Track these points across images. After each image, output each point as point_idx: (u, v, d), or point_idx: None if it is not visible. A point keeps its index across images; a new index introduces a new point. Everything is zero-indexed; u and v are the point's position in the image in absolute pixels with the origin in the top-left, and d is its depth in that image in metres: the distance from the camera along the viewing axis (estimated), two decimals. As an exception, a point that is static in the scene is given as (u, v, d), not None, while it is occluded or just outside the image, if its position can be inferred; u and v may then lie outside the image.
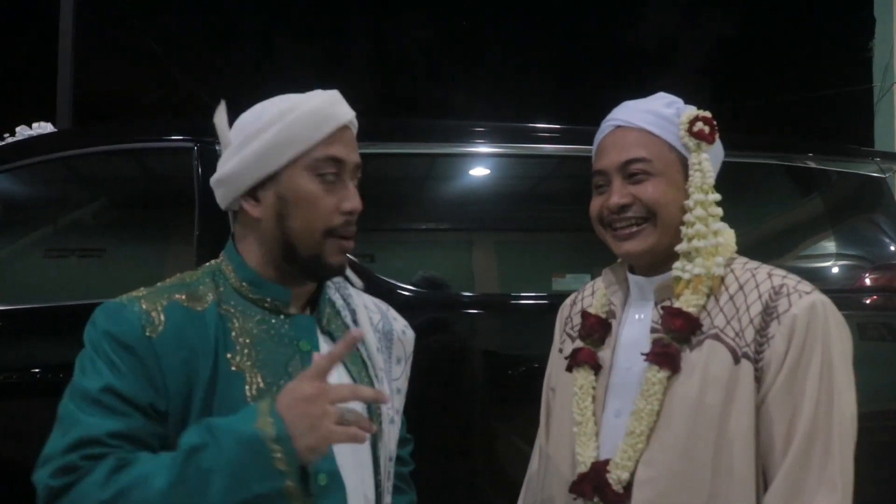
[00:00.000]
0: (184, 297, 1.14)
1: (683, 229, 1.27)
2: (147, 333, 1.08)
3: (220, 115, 1.18)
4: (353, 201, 1.16)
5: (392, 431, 1.28)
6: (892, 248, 2.83)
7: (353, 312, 1.29)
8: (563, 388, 1.41)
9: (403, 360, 1.37)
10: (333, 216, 1.15)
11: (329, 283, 1.28)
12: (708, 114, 1.31)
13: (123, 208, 2.81)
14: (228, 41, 11.46)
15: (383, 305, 1.39)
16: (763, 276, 1.26)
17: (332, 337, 1.23)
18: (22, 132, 2.57)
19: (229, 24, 11.45)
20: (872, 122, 6.73)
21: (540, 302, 2.41)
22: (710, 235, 1.26)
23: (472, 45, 11.37)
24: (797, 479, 1.15)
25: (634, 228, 1.28)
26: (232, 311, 1.15)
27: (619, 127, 1.32)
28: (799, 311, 1.20)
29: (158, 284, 1.17)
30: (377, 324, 1.33)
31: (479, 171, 2.75)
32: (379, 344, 1.31)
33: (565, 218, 2.86)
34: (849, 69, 7.19)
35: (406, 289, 2.31)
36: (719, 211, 1.29)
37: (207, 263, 1.24)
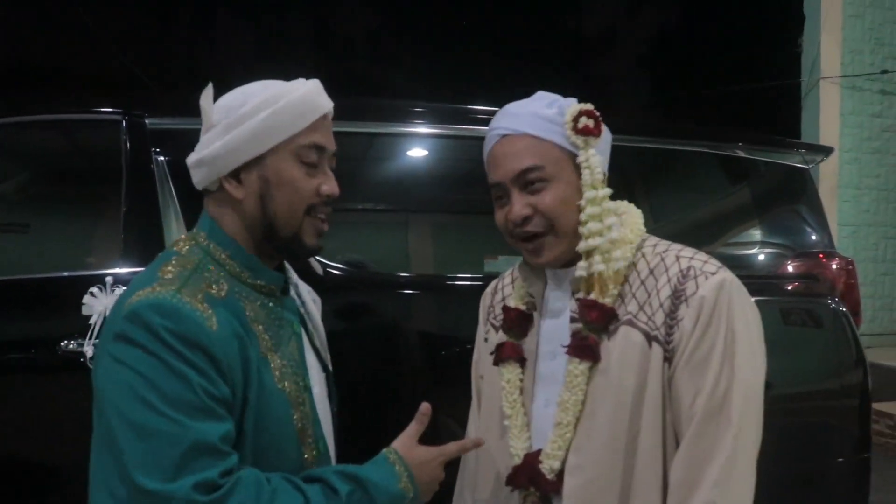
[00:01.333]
0: (210, 287, 1.15)
1: (580, 228, 1.29)
2: (210, 329, 1.08)
3: (207, 97, 1.21)
4: (331, 185, 1.23)
5: (334, 388, 1.41)
6: (814, 236, 2.93)
7: (295, 286, 1.36)
8: (490, 378, 1.45)
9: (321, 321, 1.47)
10: (313, 198, 1.21)
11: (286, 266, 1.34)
12: (589, 106, 1.31)
13: (49, 182, 2.71)
14: (165, 16, 11.12)
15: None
16: (671, 260, 1.28)
17: (300, 316, 1.32)
18: (-62, 100, 2.46)
19: (165, -3, 11.13)
20: (800, 115, 6.95)
21: (473, 284, 2.43)
22: (604, 231, 1.27)
23: (414, 26, 11.30)
24: (696, 450, 1.19)
25: (539, 241, 1.30)
26: (241, 296, 1.18)
27: (505, 136, 1.31)
28: (706, 291, 1.23)
29: (171, 276, 1.13)
30: (310, 293, 1.41)
31: (417, 152, 2.74)
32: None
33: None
34: (780, 63, 7.40)
35: (339, 268, 2.29)
36: (612, 205, 1.30)
37: (183, 243, 1.22)
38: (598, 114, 1.31)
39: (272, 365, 1.16)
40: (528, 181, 1.28)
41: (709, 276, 1.24)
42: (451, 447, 1.24)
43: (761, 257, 2.92)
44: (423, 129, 2.60)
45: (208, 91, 1.21)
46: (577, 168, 1.29)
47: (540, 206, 1.28)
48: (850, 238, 6.78)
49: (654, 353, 1.24)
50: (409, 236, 2.80)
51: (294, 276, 1.36)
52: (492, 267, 2.58)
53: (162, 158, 2.23)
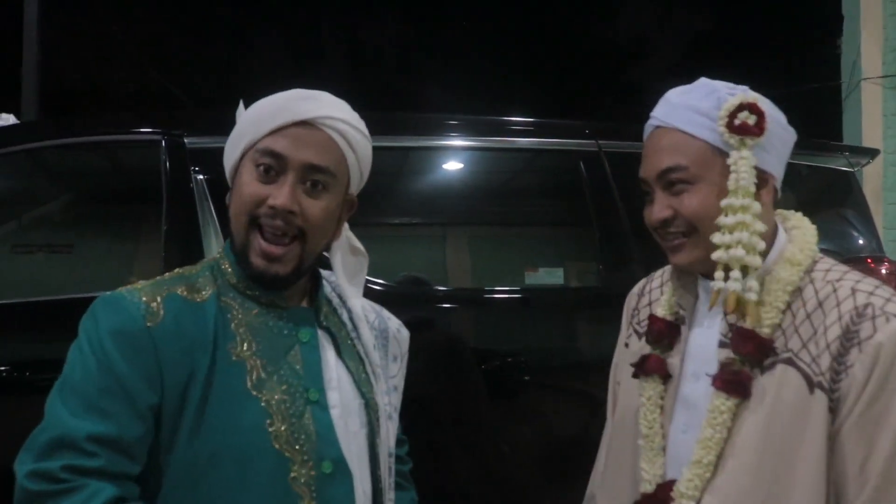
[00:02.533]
0: (183, 289, 1.14)
1: (712, 237, 1.15)
2: (147, 324, 1.08)
3: (240, 110, 1.20)
4: (279, 197, 1.10)
5: (390, 427, 1.28)
6: (861, 241, 2.86)
7: (349, 311, 1.29)
8: (626, 386, 1.35)
9: (399, 358, 1.36)
10: (257, 207, 1.11)
11: (325, 280, 1.29)
12: (756, 99, 1.16)
13: (91, 203, 2.76)
14: (200, 34, 11.31)
15: (377, 306, 1.38)
16: (845, 293, 1.13)
17: (329, 332, 1.23)
18: (-15, 124, 2.52)
19: (201, 16, 11.31)
20: (841, 117, 6.81)
21: (513, 296, 2.41)
22: (745, 246, 1.13)
23: (446, 40, 11.34)
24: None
25: (680, 240, 1.20)
26: (231, 302, 1.15)
27: (657, 128, 1.22)
28: (885, 338, 1.07)
29: (157, 278, 1.17)
30: (373, 321, 1.33)
31: (453, 165, 2.73)
32: (375, 341, 1.31)
33: (538, 212, 2.85)
34: (818, 65, 7.27)
35: (379, 283, 2.29)
36: (755, 222, 1.13)
37: (207, 258, 1.25)
38: (763, 109, 1.15)
39: (249, 370, 1.11)
40: (669, 181, 1.17)
41: (891, 318, 1.08)
42: None
43: (893, 296, 2.86)
44: (458, 142, 2.59)
45: (241, 107, 1.21)
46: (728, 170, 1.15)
47: (681, 210, 1.17)
48: (897, 242, 6.61)
49: (815, 401, 1.10)
50: (448, 250, 2.79)
51: (352, 297, 1.29)
52: (532, 280, 2.55)
53: (201, 177, 2.25)
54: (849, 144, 3.89)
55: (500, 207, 2.79)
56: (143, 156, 2.34)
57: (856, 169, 2.91)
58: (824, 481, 1.09)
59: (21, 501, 1.00)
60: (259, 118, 1.14)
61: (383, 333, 1.34)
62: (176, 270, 1.20)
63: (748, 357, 1.14)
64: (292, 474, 1.09)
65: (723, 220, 1.14)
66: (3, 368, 2.14)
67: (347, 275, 1.28)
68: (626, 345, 1.39)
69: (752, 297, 1.14)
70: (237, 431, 1.08)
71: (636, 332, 1.37)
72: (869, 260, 2.78)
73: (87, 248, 2.64)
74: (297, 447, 1.10)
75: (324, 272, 1.30)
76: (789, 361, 1.13)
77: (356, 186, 1.24)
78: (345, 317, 1.28)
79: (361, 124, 1.20)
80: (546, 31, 10.72)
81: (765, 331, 1.14)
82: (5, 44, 7.68)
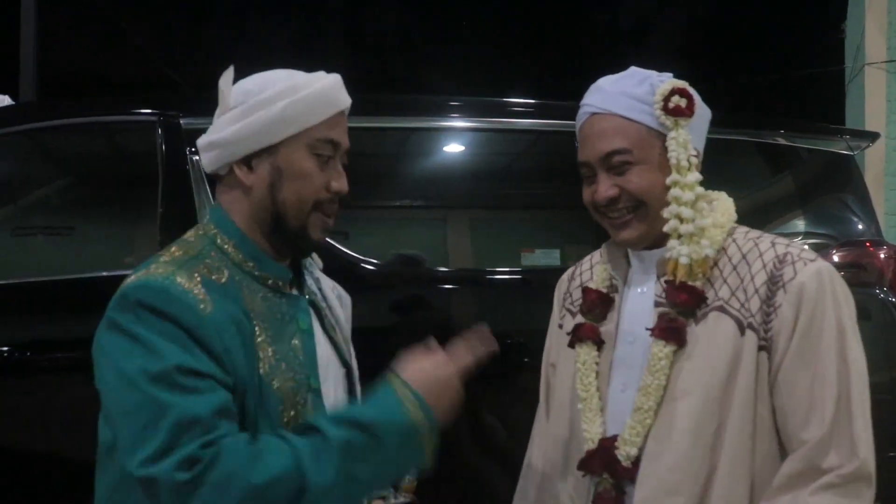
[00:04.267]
0: (205, 270, 1.13)
1: (663, 211, 1.25)
2: (202, 310, 1.07)
3: (226, 79, 1.20)
4: (341, 182, 1.21)
5: (359, 387, 1.35)
6: (860, 225, 2.85)
7: (317, 280, 1.34)
8: (563, 364, 1.41)
9: (349, 319, 1.43)
10: (322, 192, 1.19)
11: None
12: (683, 84, 1.28)
13: (89, 184, 2.75)
14: (199, 17, 11.26)
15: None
16: (766, 245, 1.25)
17: (317, 310, 1.28)
18: (-18, 105, 2.51)
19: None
20: (844, 102, 6.78)
21: (512, 277, 2.41)
22: (694, 217, 1.24)
23: (446, 23, 11.28)
24: (824, 447, 1.15)
25: (627, 217, 1.28)
26: (242, 286, 1.16)
27: (594, 114, 1.29)
28: (805, 278, 1.19)
29: (163, 259, 1.14)
30: (332, 288, 1.39)
31: (454, 147, 2.73)
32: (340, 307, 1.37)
33: (536, 194, 2.84)
34: (822, 50, 7.23)
35: (376, 264, 2.29)
36: (699, 190, 1.26)
37: (193, 232, 1.23)
38: (691, 92, 1.27)
39: (261, 359, 1.12)
40: (613, 164, 1.26)
41: (807, 262, 1.21)
42: (461, 350, 1.16)
43: (805, 247, 2.85)
44: (458, 124, 2.58)
45: (228, 73, 1.20)
46: (667, 149, 1.26)
47: (627, 187, 1.26)
48: (898, 227, 6.59)
49: (747, 342, 1.20)
50: (448, 231, 2.79)
51: (317, 271, 1.35)
52: (529, 260, 2.55)
53: (197, 158, 2.24)
54: (849, 128, 3.87)
55: (500, 189, 2.79)
56: (139, 137, 2.33)
57: (856, 152, 2.89)
58: (752, 418, 1.20)
59: (176, 496, 0.97)
60: (311, 108, 1.18)
61: (340, 299, 1.40)
62: (175, 249, 1.17)
63: (682, 306, 1.24)
64: None
65: (673, 193, 1.24)
66: (4, 349, 2.15)
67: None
68: (560, 326, 1.45)
69: (697, 256, 1.24)
70: (262, 418, 1.10)
71: (569, 311, 1.45)
72: (868, 244, 2.77)
73: (85, 230, 2.64)
74: None
75: None
76: (721, 309, 1.23)
77: None
78: (314, 287, 1.32)
79: None
80: (548, 12, 10.66)
81: (696, 283, 1.25)
82: (3, 26, 7.64)
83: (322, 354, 1.23)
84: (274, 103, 1.16)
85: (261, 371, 1.10)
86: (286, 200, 1.18)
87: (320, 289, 1.33)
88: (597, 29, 11.15)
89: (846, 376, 1.17)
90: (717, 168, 2.81)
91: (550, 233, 2.73)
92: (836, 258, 2.74)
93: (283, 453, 1.00)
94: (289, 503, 0.99)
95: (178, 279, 1.08)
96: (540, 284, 1.90)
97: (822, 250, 2.81)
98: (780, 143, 2.84)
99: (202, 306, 1.06)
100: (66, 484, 2.12)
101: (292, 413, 1.12)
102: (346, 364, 1.30)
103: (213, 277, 1.12)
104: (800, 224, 2.90)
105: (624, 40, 11.07)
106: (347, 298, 1.43)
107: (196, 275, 1.10)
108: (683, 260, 1.24)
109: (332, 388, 1.24)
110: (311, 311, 1.26)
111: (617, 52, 9.89)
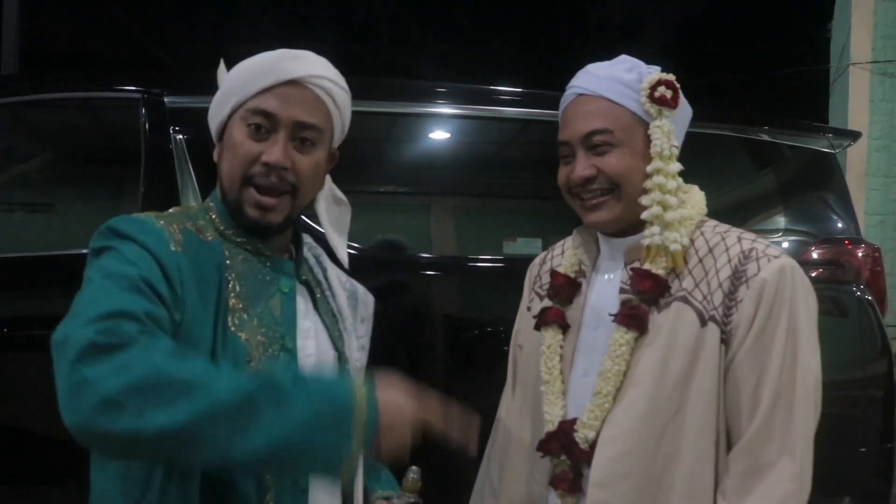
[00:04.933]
0: (191, 225, 1.17)
1: (644, 197, 1.27)
2: (172, 248, 1.09)
3: (222, 68, 1.25)
4: (272, 154, 1.15)
5: None
6: (840, 223, 2.88)
7: (324, 270, 1.34)
8: (530, 346, 1.43)
9: (367, 319, 1.42)
10: (251, 165, 1.16)
11: (305, 242, 1.32)
12: (670, 77, 1.30)
13: (70, 161, 2.72)
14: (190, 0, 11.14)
15: (342, 272, 1.43)
16: (733, 240, 1.27)
17: (307, 287, 1.28)
18: (-38, 78, 2.48)
19: (188, -22, 11.13)
20: (828, 101, 6.83)
21: (494, 265, 2.42)
22: (674, 205, 1.26)
23: (438, 10, 11.24)
24: (759, 443, 1.18)
25: (600, 199, 1.29)
26: (224, 246, 1.18)
27: (580, 95, 1.31)
28: (768, 274, 1.21)
29: (163, 212, 1.20)
30: (344, 282, 1.38)
31: (440, 134, 2.72)
32: (347, 301, 1.35)
33: (520, 183, 2.85)
34: (808, 49, 7.27)
35: (359, 249, 2.28)
36: (678, 181, 1.28)
37: (193, 204, 1.31)
38: (678, 85, 1.29)
39: (230, 309, 1.13)
40: (594, 143, 1.28)
41: (771, 258, 1.23)
42: (434, 405, 1.05)
43: (785, 244, 2.88)
44: (445, 110, 2.58)
45: (222, 64, 1.25)
46: (649, 138, 1.28)
47: (605, 168, 1.27)
48: (878, 227, 6.65)
49: (708, 334, 1.22)
50: (431, 218, 2.79)
51: (326, 262, 1.35)
52: (511, 249, 2.56)
53: (181, 137, 2.22)
54: (831, 126, 3.90)
55: (484, 178, 2.79)
56: (122, 114, 2.31)
57: (838, 151, 2.91)
58: (715, 410, 1.21)
59: (81, 356, 0.92)
60: (247, 78, 1.19)
61: (353, 295, 1.39)
62: (175, 208, 1.24)
63: (645, 293, 1.26)
64: None
65: (655, 180, 1.26)
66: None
67: (332, 222, 1.33)
68: (529, 309, 1.47)
69: (676, 247, 1.25)
70: (224, 361, 1.09)
71: (538, 294, 1.46)
72: (847, 242, 2.80)
73: (67, 206, 2.61)
74: None
75: (305, 235, 1.34)
76: (683, 299, 1.25)
77: (338, 140, 1.29)
78: (320, 276, 1.33)
79: (342, 80, 1.25)
80: (539, 4, 10.65)
81: (660, 272, 1.26)
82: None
83: (307, 326, 1.23)
84: (226, 81, 1.21)
85: (230, 321, 1.12)
86: (223, 173, 1.21)
87: (326, 278, 1.33)
88: (586, 22, 11.16)
89: (791, 374, 1.19)
90: (701, 162, 2.85)
91: (533, 222, 2.74)
92: (815, 255, 2.77)
93: (203, 363, 0.99)
94: (188, 407, 0.91)
95: (159, 221, 1.13)
96: (522, 273, 1.91)
97: (801, 247, 2.84)
98: (763, 140, 2.86)
99: (172, 246, 1.10)
100: (45, 462, 2.11)
101: (259, 367, 1.11)
102: (337, 348, 1.26)
103: (199, 235, 1.16)
104: (780, 220, 2.93)
105: (613, 34, 11.09)
106: (369, 298, 1.43)
107: (178, 224, 1.15)
108: (675, 247, 1.25)
109: (316, 359, 1.22)
110: (301, 286, 1.26)
111: (605, 45, 9.90)
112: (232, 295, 1.14)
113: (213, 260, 1.15)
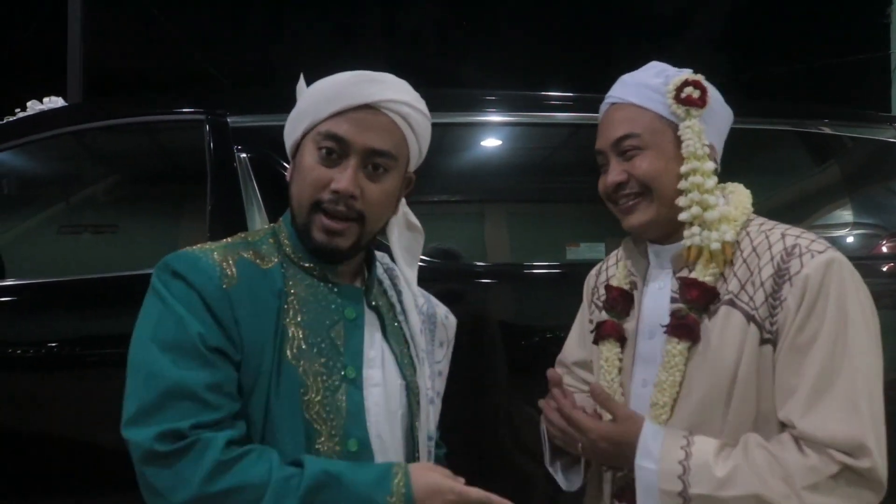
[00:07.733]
0: (251, 254, 1.17)
1: (681, 198, 1.28)
2: (224, 285, 1.10)
3: (301, 86, 1.24)
4: (341, 182, 1.13)
5: (431, 412, 1.30)
6: (907, 215, 2.79)
7: (398, 293, 1.31)
8: (593, 358, 1.45)
9: (446, 343, 1.40)
10: (321, 191, 1.15)
11: (378, 262, 1.31)
12: (698, 77, 1.31)
13: (135, 183, 2.81)
14: (238, 16, 11.38)
15: (426, 293, 1.41)
16: (776, 237, 1.25)
17: (377, 312, 1.25)
18: (33, 107, 2.58)
19: (239, -2, 11.38)
20: (890, 88, 6.63)
21: (554, 271, 2.41)
22: (713, 204, 1.26)
23: (483, 17, 11.26)
24: (815, 398, 1.14)
25: (633, 202, 1.31)
26: (289, 273, 1.18)
27: (613, 104, 1.35)
28: (811, 270, 1.18)
29: (222, 241, 1.20)
30: (421, 306, 1.35)
31: (492, 142, 2.73)
32: (422, 326, 1.33)
33: (579, 188, 2.84)
34: (867, 36, 7.07)
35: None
36: (714, 179, 1.28)
37: (267, 226, 1.29)
38: (705, 85, 1.30)
39: (290, 338, 1.13)
40: (623, 149, 1.30)
41: (815, 254, 1.20)
42: (473, 492, 1.09)
43: (852, 238, 2.80)
44: (497, 118, 2.59)
45: (301, 82, 1.24)
46: (679, 139, 1.29)
47: (634, 172, 1.29)
48: (948, 216, 6.43)
49: (750, 334, 1.21)
50: (487, 226, 2.79)
51: (402, 285, 1.32)
52: (573, 255, 2.55)
53: (244, 156, 2.28)
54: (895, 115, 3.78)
55: (540, 183, 2.78)
56: (186, 136, 2.37)
57: (904, 140, 2.82)
58: (754, 410, 1.20)
59: (145, 462, 1.02)
60: (321, 100, 1.17)
61: (431, 318, 1.36)
62: (239, 235, 1.24)
63: (693, 302, 1.26)
64: (317, 446, 1.11)
65: (692, 180, 1.26)
66: (52, 345, 2.21)
67: (402, 249, 1.29)
68: (591, 321, 1.49)
69: (717, 246, 1.25)
70: (285, 398, 1.11)
71: (597, 306, 1.48)
72: (918, 234, 2.71)
73: (133, 228, 2.69)
74: (326, 421, 1.12)
75: (378, 254, 1.33)
76: (730, 303, 1.24)
77: (415, 164, 1.27)
78: (394, 299, 1.31)
79: (422, 104, 1.22)
80: (586, 4, 10.58)
81: (708, 279, 1.26)
82: (51, 29, 7.82)
83: (374, 355, 1.22)
84: (300, 101, 1.20)
85: (287, 351, 1.12)
86: (293, 196, 1.20)
87: (400, 300, 1.30)
88: (635, 20, 11.04)
89: (839, 359, 1.15)
90: (762, 158, 2.79)
91: (595, 226, 2.73)
92: (884, 248, 2.69)
93: (258, 471, 1.04)
94: None
95: (213, 255, 1.13)
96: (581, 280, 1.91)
97: (870, 241, 2.77)
98: (824, 133, 2.79)
99: (225, 282, 1.10)
100: (114, 477, 2.18)
101: (316, 398, 1.12)
102: (405, 377, 1.25)
103: (257, 262, 1.16)
104: (847, 215, 2.85)
105: (663, 31, 10.94)
106: (451, 321, 1.41)
107: (234, 255, 1.15)
108: (715, 245, 1.24)
109: (383, 388, 1.21)
110: (370, 312, 1.25)
111: (655, 43, 9.78)
112: (291, 323, 1.14)
113: (270, 287, 1.14)
